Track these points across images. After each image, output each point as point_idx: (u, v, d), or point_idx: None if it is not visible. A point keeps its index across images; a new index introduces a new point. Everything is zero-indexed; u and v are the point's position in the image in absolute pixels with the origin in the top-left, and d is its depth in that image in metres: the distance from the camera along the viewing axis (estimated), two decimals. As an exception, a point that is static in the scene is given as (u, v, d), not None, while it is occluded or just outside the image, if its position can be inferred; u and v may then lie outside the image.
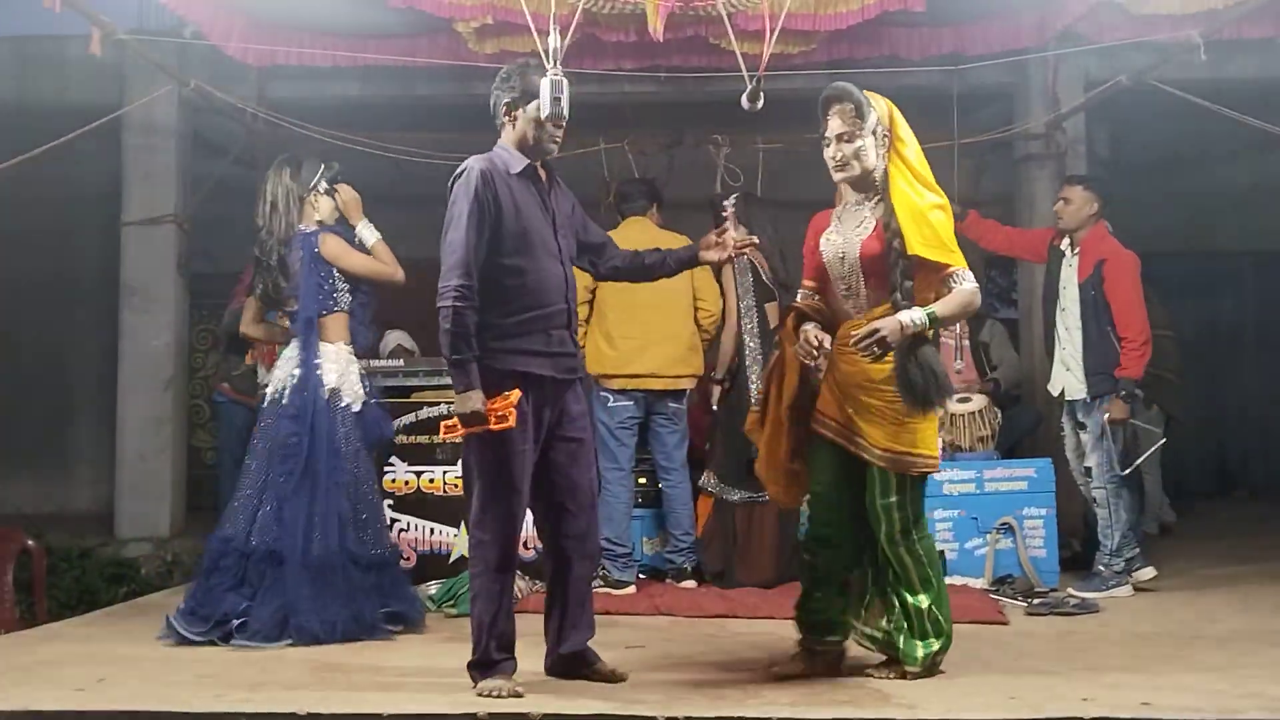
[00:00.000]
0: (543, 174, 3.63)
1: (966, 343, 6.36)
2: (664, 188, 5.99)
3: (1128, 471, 5.30)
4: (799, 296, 3.76)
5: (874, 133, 3.52)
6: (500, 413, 3.34)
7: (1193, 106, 5.57)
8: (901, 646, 3.53)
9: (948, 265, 3.47)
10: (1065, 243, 5.46)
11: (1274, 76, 6.39)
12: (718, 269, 5.58)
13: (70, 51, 6.42)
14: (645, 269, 3.88)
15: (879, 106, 3.55)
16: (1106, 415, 5.15)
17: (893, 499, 3.49)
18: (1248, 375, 10.41)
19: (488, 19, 5.80)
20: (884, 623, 3.60)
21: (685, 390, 5.56)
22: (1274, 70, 6.39)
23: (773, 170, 6.65)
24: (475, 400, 3.35)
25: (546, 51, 3.78)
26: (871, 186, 3.57)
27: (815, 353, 3.46)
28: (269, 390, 4.59)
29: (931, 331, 3.48)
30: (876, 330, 3.34)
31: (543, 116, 3.51)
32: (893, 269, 3.45)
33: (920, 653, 3.51)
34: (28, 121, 6.09)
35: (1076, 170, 6.31)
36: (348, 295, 4.60)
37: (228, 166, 6.71)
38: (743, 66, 4.87)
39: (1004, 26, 6.25)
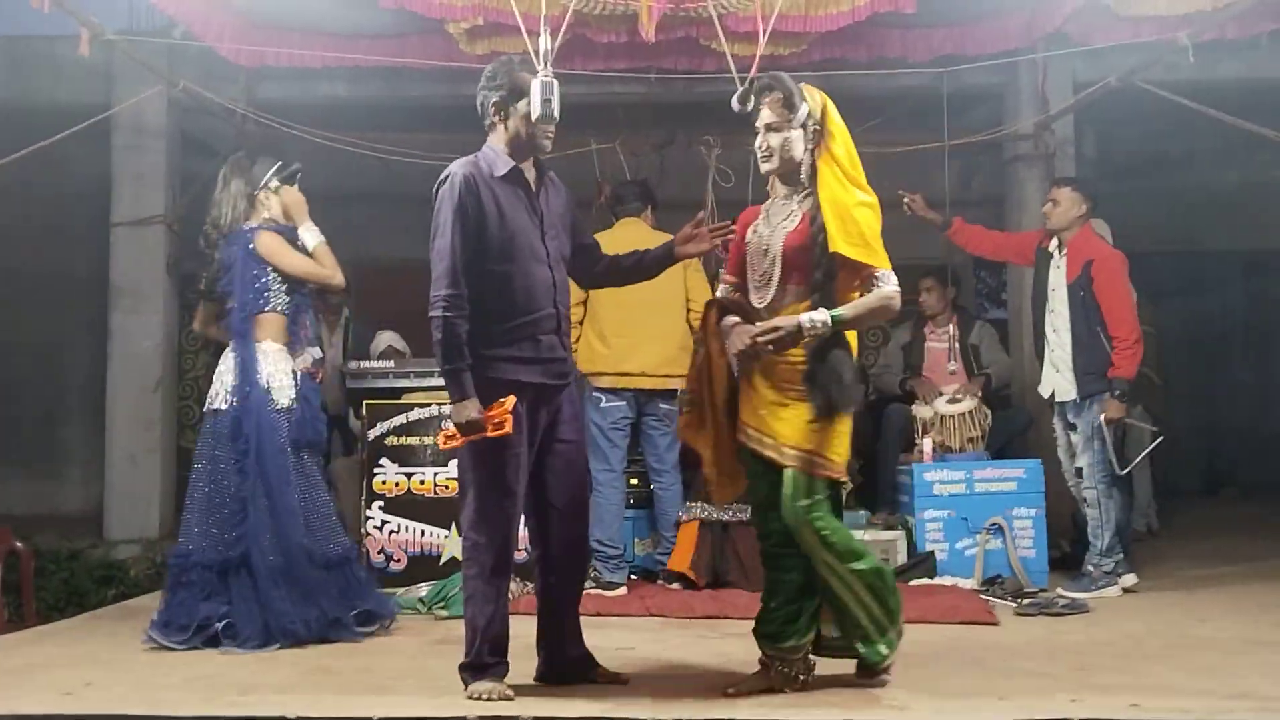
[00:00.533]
0: (530, 175, 3.58)
1: (957, 345, 6.37)
2: (656, 189, 5.99)
3: (1127, 470, 5.32)
4: (720, 290, 3.69)
5: (803, 125, 3.45)
6: (497, 420, 3.33)
7: (1180, 107, 5.59)
8: (864, 651, 3.43)
9: (870, 266, 3.39)
10: (1053, 244, 5.47)
11: (1260, 77, 6.41)
12: (711, 273, 5.57)
13: (59, 52, 6.37)
14: (624, 272, 3.87)
15: (811, 99, 3.47)
16: (1103, 416, 5.16)
17: (804, 501, 3.33)
18: (1236, 374, 10.48)
19: (479, 20, 5.80)
20: (835, 630, 3.49)
21: (676, 390, 5.55)
22: (1260, 71, 6.41)
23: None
24: (471, 409, 3.35)
25: (537, 52, 3.76)
26: (799, 180, 3.50)
27: (749, 341, 3.33)
28: (211, 394, 4.47)
29: (860, 332, 3.36)
30: (777, 328, 3.31)
31: (533, 117, 3.47)
32: (815, 266, 3.38)
33: (884, 648, 3.43)
34: (16, 122, 6.05)
35: (1065, 171, 6.33)
36: (283, 296, 4.48)
37: (217, 167, 6.66)
38: (733, 68, 4.89)
39: (993, 28, 6.27)
